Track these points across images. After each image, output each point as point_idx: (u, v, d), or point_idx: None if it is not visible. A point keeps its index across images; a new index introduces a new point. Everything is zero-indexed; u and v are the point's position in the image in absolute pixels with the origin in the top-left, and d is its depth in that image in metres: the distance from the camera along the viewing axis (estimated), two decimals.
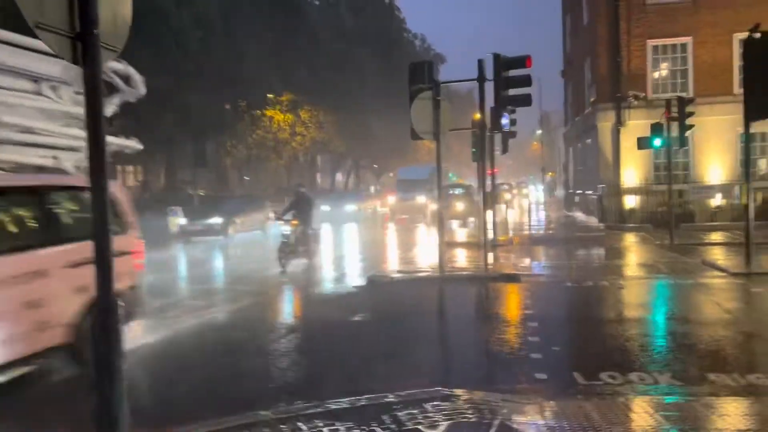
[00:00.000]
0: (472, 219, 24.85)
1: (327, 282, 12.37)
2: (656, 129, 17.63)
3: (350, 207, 31.69)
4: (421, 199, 30.09)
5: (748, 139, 11.30)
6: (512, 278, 11.39)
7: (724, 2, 21.39)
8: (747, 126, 11.13)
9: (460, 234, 21.30)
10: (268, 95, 39.77)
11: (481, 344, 7.20)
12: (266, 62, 35.24)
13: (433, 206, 24.95)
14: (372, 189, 46.52)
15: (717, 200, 21.26)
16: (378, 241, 21.03)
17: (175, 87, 29.53)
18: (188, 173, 41.01)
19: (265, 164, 51.93)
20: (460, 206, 27.00)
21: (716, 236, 18.35)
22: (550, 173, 57.90)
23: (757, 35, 10.70)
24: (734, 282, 10.39)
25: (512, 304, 9.82)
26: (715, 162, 21.87)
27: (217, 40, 31.55)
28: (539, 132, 69.77)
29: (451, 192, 29.07)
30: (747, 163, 11.39)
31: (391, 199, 35.48)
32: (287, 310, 10.06)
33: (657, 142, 17.62)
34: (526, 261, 14.18)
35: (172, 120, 31.07)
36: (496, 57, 11.57)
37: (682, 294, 9.94)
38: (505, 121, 12.66)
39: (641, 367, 5.91)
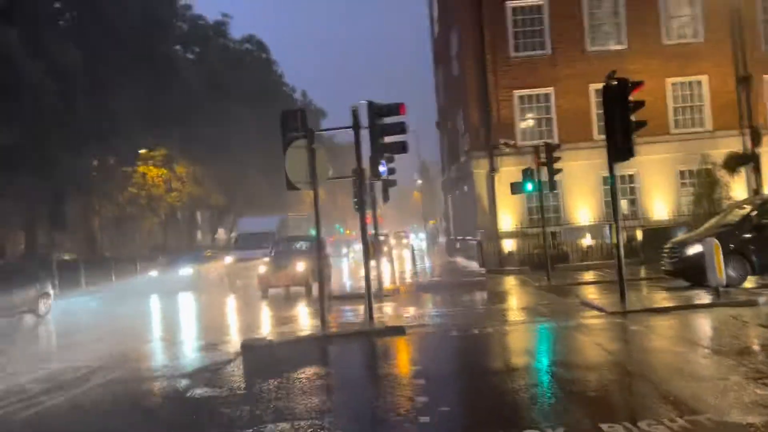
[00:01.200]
0: (313, 284, 17.38)
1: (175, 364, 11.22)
2: (527, 174, 18.28)
3: (185, 271, 25.02)
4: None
5: (613, 180, 11.75)
6: (398, 331, 10.90)
7: (579, 56, 23.06)
8: (611, 168, 11.59)
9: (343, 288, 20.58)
10: (139, 150, 37.76)
11: (367, 410, 6.55)
12: (137, 117, 33.44)
13: (263, 268, 19.16)
14: None
15: (587, 240, 22.32)
16: (215, 316, 16.63)
17: (32, 143, 27.18)
18: (52, 236, 37.66)
19: (140, 223, 48.98)
20: (300, 266, 18.72)
21: (589, 275, 19.09)
22: (432, 221, 59.29)
23: (614, 82, 11.27)
24: (612, 321, 10.54)
25: (399, 359, 9.30)
26: (583, 204, 23.05)
27: (80, 94, 29.55)
28: (419, 182, 71.69)
29: (295, 246, 21.71)
30: (615, 203, 11.82)
31: (228, 258, 28.00)
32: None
33: (529, 186, 18.25)
34: (412, 311, 13.82)
35: (29, 179, 28.45)
36: (370, 104, 11.35)
37: (565, 337, 9.90)
38: (382, 168, 12.39)
39: (533, 423, 5.52)
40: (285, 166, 11.11)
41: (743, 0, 22.71)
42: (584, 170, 22.33)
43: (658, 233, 19.87)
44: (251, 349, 10.32)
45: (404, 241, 51.39)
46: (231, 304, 19.89)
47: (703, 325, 9.85)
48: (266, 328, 13.10)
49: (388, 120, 11.64)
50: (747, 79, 19.89)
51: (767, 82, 23.34)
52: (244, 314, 16.83)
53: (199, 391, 7.78)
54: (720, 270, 11.08)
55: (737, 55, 22.12)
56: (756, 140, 19.85)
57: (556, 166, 17.89)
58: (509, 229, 22.98)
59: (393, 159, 16.35)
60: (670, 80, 23.06)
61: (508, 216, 23.16)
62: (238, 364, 9.42)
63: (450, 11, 27.59)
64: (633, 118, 11.44)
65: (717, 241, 11.26)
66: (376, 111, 11.42)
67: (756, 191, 19.79)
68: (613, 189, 11.80)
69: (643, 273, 18.23)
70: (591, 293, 14.77)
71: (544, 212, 18.58)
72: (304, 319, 13.91)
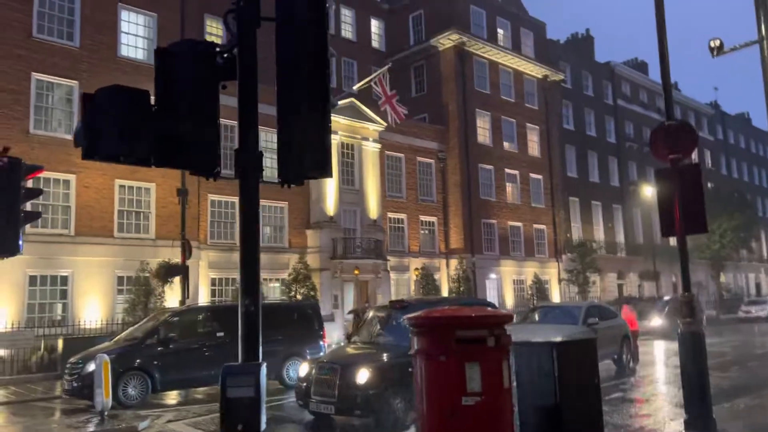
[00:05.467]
0: None
1: None
2: None
3: None
4: None
5: None
6: None
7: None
8: None
9: None
10: None
11: None
12: None
13: None
14: None
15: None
16: None
17: None
18: None
19: None
20: None
21: None
22: None
23: (4, 160, 9.30)
24: None
25: None
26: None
27: None
28: None
29: None
30: None
31: None
32: None
33: None
34: None
35: None
36: None
37: None
38: None
39: None
40: None
41: None
42: (10, 265, 18.88)
43: (81, 343, 17.89)
44: None
45: None
46: None
47: None
48: None
49: None
50: (185, 194, 20.80)
51: (210, 201, 25.23)
52: None
53: None
54: (107, 391, 9.84)
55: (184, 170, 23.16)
56: (188, 253, 20.64)
57: None
58: None
59: None
60: (119, 182, 22.37)
61: None
62: None
63: None
64: (28, 207, 9.61)
65: (107, 358, 10.08)
66: None
67: (182, 302, 20.27)
68: None
69: (59, 390, 15.80)
70: None
71: None
72: None
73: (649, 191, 43.61)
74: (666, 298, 33.32)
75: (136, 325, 14.68)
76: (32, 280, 20.06)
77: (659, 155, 8.39)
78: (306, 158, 3.87)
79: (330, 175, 4.01)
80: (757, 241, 59.43)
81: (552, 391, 5.58)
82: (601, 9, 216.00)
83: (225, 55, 3.87)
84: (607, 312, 16.03)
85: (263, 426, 3.45)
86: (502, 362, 4.82)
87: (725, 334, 27.15)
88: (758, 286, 63.19)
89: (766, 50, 10.71)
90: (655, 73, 63.84)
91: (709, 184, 50.02)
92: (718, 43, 12.01)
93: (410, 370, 9.73)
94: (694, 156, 43.14)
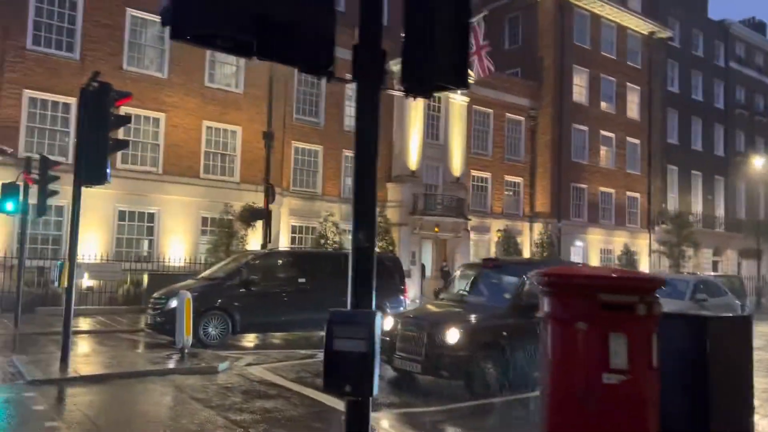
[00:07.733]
0: None
1: None
2: (10, 190, 14.50)
3: None
4: None
5: (77, 207, 9.23)
6: None
7: (114, 73, 20.04)
8: (77, 192, 9.14)
9: None
10: None
11: None
12: None
13: None
14: None
15: (88, 281, 19.12)
16: None
17: None
18: None
19: None
20: None
21: (85, 323, 16.00)
22: None
23: (94, 85, 9.02)
24: (29, 396, 7.75)
25: None
26: (91, 238, 19.83)
27: None
28: None
29: None
30: (73, 237, 9.24)
31: None
32: None
33: (9, 206, 14.46)
34: None
35: None
36: None
37: None
38: None
39: None
40: None
41: (285, 67, 23.87)
42: (101, 200, 19.21)
43: (165, 279, 18.14)
44: None
45: None
46: None
47: (139, 403, 7.92)
48: None
49: None
50: (271, 138, 20.54)
51: (294, 148, 24.92)
52: None
53: None
54: (188, 329, 9.62)
55: (271, 114, 22.90)
56: (271, 197, 20.48)
57: (54, 187, 14.54)
58: None
59: None
60: (206, 123, 22.36)
61: None
62: None
63: None
64: (121, 135, 9.36)
65: (189, 296, 9.83)
66: None
67: (263, 246, 20.20)
68: (75, 218, 9.26)
69: (142, 323, 16.10)
70: (54, 350, 11.76)
71: (25, 241, 14.90)
72: None
73: (758, 163, 40.04)
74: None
75: (218, 265, 14.56)
76: (121, 215, 20.49)
77: None
78: (441, 60, 3.03)
79: (467, 86, 3.17)
80: None
81: (701, 377, 4.62)
82: None
83: None
84: (716, 288, 14.54)
85: (376, 390, 2.73)
86: (652, 336, 3.94)
87: None
88: None
89: None
90: None
91: None
92: None
93: (504, 333, 8.97)
94: None
